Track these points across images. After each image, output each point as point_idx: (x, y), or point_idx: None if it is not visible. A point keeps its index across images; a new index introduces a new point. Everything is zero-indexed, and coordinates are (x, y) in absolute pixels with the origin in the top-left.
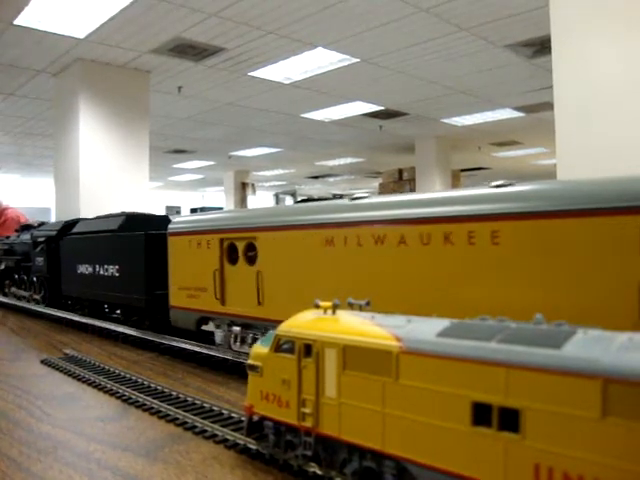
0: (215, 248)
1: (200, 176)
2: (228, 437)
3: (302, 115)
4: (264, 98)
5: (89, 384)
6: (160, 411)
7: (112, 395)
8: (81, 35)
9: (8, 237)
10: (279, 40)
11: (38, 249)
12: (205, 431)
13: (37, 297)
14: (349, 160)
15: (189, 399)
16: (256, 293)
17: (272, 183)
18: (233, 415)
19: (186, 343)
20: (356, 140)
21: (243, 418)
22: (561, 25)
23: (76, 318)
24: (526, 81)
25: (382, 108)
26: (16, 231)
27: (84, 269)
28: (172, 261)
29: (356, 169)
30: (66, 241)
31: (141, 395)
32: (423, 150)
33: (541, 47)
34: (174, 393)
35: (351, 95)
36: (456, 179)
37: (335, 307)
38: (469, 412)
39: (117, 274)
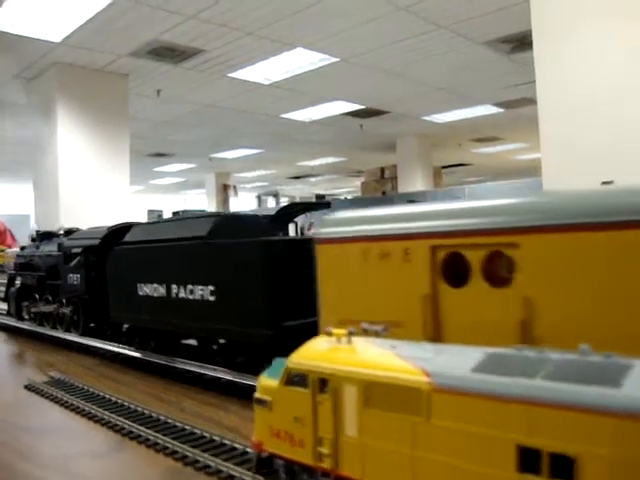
0: (420, 261)
1: (181, 179)
2: (233, 473)
3: (283, 116)
4: (244, 99)
5: (77, 412)
6: (157, 443)
7: (103, 425)
8: (57, 39)
9: (23, 248)
10: (258, 41)
11: (72, 263)
12: (208, 466)
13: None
14: (330, 160)
15: (187, 427)
16: (518, 331)
17: (254, 184)
18: (236, 446)
19: (180, 362)
20: (337, 139)
21: (248, 450)
22: (542, 22)
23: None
24: (505, 77)
25: (363, 107)
26: (32, 240)
27: (150, 290)
28: (326, 280)
29: (338, 169)
30: (117, 253)
31: (135, 425)
32: (404, 148)
33: (519, 43)
34: (170, 421)
35: (331, 95)
36: (437, 176)
37: (351, 335)
38: (514, 457)
39: (212, 298)
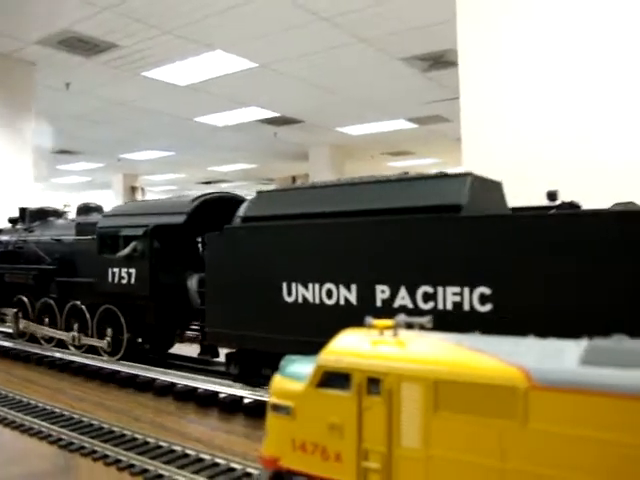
0: None
1: (87, 178)
2: None
3: (196, 119)
4: (158, 100)
5: (6, 424)
6: (120, 460)
7: (42, 439)
8: None
9: None
10: (176, 40)
11: (120, 253)
12: None
13: (95, 343)
14: (242, 166)
15: (151, 441)
16: None
17: (163, 188)
18: (218, 461)
19: (127, 366)
20: (250, 146)
21: (234, 465)
22: (468, 41)
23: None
24: (420, 94)
25: (278, 115)
26: (12, 222)
27: (314, 295)
28: None
29: (249, 175)
30: (235, 235)
31: (86, 438)
32: (317, 158)
33: (435, 62)
34: (128, 432)
35: (247, 100)
36: None
37: (398, 327)
38: None
39: (484, 307)
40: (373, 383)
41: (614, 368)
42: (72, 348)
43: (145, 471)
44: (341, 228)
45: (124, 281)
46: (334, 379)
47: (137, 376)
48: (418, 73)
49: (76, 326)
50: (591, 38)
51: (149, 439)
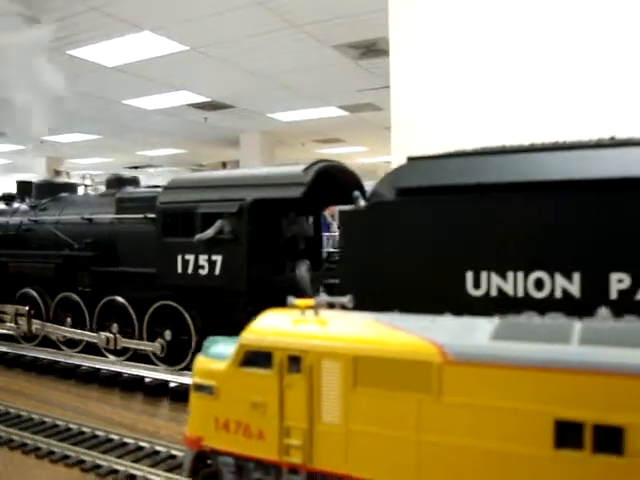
0: None
1: (7, 161)
2: (153, 478)
3: (124, 102)
4: (84, 80)
5: None
6: (39, 448)
7: None
8: None
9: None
10: (103, 18)
11: (201, 235)
12: (115, 471)
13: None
14: (171, 151)
15: (73, 427)
16: None
17: (88, 172)
18: (142, 445)
19: (39, 352)
20: (180, 131)
21: (159, 448)
22: (399, 30)
23: None
24: (351, 81)
25: (209, 99)
26: (5, 200)
27: (537, 286)
28: None
29: (178, 160)
30: (402, 210)
31: (2, 427)
32: (248, 144)
33: (367, 50)
34: (48, 420)
35: (177, 84)
36: None
37: (319, 306)
38: (551, 432)
39: None
40: (294, 361)
41: (524, 342)
42: (107, 353)
43: (66, 457)
44: (562, 202)
45: (203, 271)
46: (256, 358)
47: (58, 362)
48: (350, 61)
49: (115, 327)
50: (517, 28)
51: (71, 425)
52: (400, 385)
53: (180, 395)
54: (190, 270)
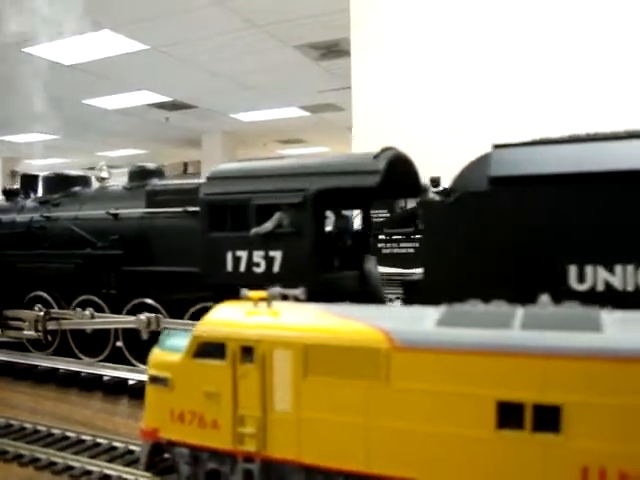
0: None
1: None
2: (110, 472)
3: (84, 101)
4: (41, 79)
5: None
6: (6, 451)
7: None
8: None
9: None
10: (60, 15)
11: (258, 228)
12: (71, 467)
13: None
14: (132, 152)
15: (28, 426)
16: None
17: (47, 173)
18: (100, 441)
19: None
20: (140, 131)
21: (116, 444)
22: (361, 31)
23: None
24: (313, 82)
25: (170, 99)
26: (6, 194)
27: None
28: None
29: (139, 161)
30: (498, 201)
31: None
32: (209, 144)
33: (328, 51)
34: (1, 420)
35: (138, 83)
36: None
37: (271, 298)
38: (493, 414)
39: None
40: (247, 352)
41: (467, 328)
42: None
43: (20, 457)
44: None
45: (258, 269)
46: (210, 349)
47: (14, 363)
48: (311, 62)
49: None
50: (477, 29)
51: (26, 424)
52: (350, 372)
53: (139, 392)
54: (243, 268)
